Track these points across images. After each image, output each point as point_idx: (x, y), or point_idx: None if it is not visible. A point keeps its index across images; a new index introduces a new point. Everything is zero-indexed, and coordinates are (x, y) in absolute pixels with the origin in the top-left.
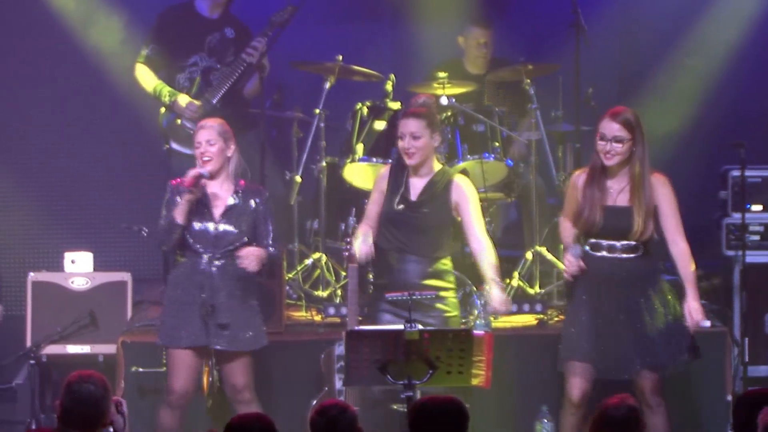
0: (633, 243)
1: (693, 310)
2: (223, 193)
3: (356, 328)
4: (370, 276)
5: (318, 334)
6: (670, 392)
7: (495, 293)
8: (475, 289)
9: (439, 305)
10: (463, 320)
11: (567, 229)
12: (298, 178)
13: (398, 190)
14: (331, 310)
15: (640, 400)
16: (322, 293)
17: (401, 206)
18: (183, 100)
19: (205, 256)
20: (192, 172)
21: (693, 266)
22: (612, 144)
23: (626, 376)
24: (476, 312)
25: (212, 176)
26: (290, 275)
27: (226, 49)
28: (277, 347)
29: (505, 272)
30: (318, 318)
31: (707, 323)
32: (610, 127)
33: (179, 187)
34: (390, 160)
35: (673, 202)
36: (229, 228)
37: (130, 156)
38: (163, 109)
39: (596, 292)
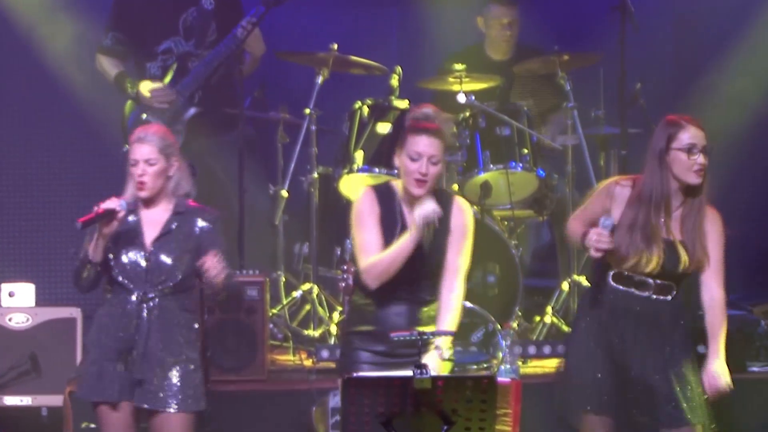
0: (669, 283)
1: (712, 375)
2: (159, 217)
3: (355, 374)
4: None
5: (309, 382)
6: None
7: (432, 360)
8: (499, 327)
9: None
10: (486, 365)
11: (579, 227)
12: (285, 193)
13: (394, 226)
14: (325, 353)
15: None
16: (314, 332)
17: None
18: (145, 87)
19: (135, 295)
20: (107, 203)
21: (724, 321)
22: (703, 156)
23: None
24: (501, 355)
25: (149, 202)
26: (275, 310)
27: (206, 25)
28: (258, 398)
29: (536, 306)
30: (308, 362)
31: (726, 386)
32: (701, 136)
33: (95, 217)
34: (395, 171)
35: (722, 243)
36: (164, 259)
37: (81, 166)
38: (129, 104)
39: (617, 333)
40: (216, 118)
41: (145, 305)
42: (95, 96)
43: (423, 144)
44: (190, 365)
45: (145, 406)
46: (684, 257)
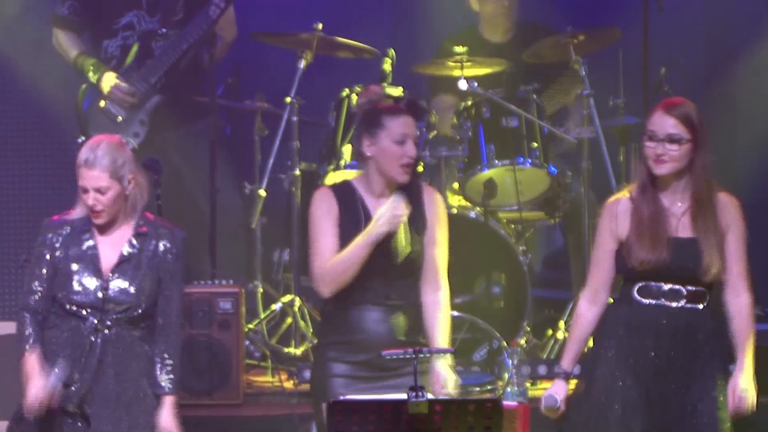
0: (702, 289)
1: (737, 392)
2: (117, 240)
3: (342, 397)
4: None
5: (289, 407)
6: None
7: (442, 372)
8: (505, 344)
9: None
10: (490, 386)
11: (585, 319)
12: (263, 192)
13: (358, 221)
14: (308, 374)
15: None
16: (295, 350)
17: None
18: (107, 82)
19: (89, 321)
20: (36, 391)
21: (752, 331)
22: (665, 145)
23: None
24: (507, 376)
25: (104, 227)
26: (251, 326)
27: (174, 2)
28: (233, 424)
29: (547, 320)
30: (289, 384)
31: (751, 405)
32: (664, 123)
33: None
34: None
35: (743, 234)
36: (124, 286)
37: (30, 157)
38: (83, 89)
39: (644, 354)
40: (183, 108)
41: (99, 334)
42: (44, 80)
43: (407, 124)
44: (147, 405)
45: None
46: (704, 255)
